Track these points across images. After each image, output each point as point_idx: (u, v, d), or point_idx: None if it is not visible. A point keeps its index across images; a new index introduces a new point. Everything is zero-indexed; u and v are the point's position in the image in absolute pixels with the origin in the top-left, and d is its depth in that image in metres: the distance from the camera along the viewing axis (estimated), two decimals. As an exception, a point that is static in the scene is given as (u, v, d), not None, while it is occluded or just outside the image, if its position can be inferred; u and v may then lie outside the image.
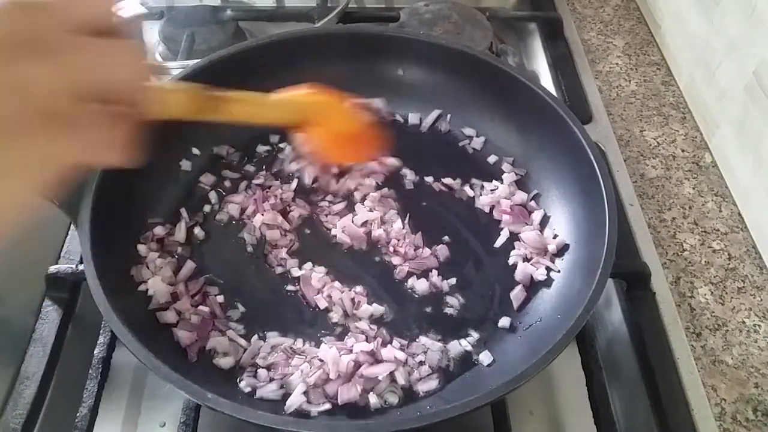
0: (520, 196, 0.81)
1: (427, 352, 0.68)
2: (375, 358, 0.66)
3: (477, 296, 0.74)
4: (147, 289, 0.70)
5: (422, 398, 0.64)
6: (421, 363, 0.67)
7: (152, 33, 1.10)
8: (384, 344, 0.68)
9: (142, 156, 0.46)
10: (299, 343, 0.68)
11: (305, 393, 0.63)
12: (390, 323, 0.71)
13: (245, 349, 0.67)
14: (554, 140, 0.80)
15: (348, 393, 0.63)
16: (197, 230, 0.78)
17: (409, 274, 0.75)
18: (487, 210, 0.81)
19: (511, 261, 0.76)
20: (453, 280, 0.74)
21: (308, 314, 0.71)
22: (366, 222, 0.79)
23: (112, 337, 0.68)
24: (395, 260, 0.76)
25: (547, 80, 1.04)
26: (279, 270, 0.75)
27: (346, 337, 0.69)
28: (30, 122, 0.38)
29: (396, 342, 0.68)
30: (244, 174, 0.84)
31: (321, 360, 0.66)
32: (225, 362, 0.66)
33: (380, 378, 0.64)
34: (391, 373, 0.65)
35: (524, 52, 1.15)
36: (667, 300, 0.77)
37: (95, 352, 0.67)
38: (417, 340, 0.69)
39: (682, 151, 0.99)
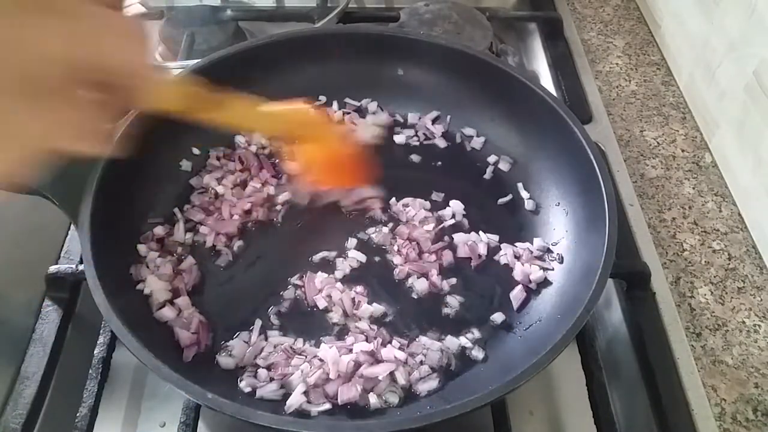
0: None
1: (427, 352, 0.68)
2: (375, 358, 0.66)
3: (477, 296, 0.74)
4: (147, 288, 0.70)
5: (422, 398, 0.64)
6: (422, 363, 0.67)
7: (152, 33, 1.10)
8: (384, 344, 0.68)
9: (125, 149, 0.45)
10: (299, 342, 0.68)
11: (305, 393, 0.63)
12: (390, 323, 0.71)
13: (249, 346, 0.67)
14: (554, 140, 0.80)
15: (348, 393, 0.63)
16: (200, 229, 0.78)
17: (409, 274, 0.75)
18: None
19: (503, 261, 0.76)
20: (453, 280, 0.74)
21: (308, 314, 0.71)
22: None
23: (112, 337, 0.68)
24: (396, 260, 0.76)
25: (547, 80, 1.05)
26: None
27: (346, 336, 0.69)
28: (16, 89, 0.35)
29: (396, 342, 0.68)
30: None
31: (321, 360, 0.65)
32: (227, 362, 0.66)
33: (380, 378, 0.64)
34: (391, 373, 0.65)
35: (524, 52, 1.15)
36: (667, 300, 0.77)
37: (95, 352, 0.67)
38: (417, 339, 0.69)
39: (682, 151, 0.99)
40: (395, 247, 0.77)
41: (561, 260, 0.74)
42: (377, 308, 0.71)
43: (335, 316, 0.70)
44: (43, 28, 0.35)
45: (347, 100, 0.91)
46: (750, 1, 0.88)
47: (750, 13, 0.88)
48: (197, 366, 0.65)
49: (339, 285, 0.73)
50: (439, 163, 0.87)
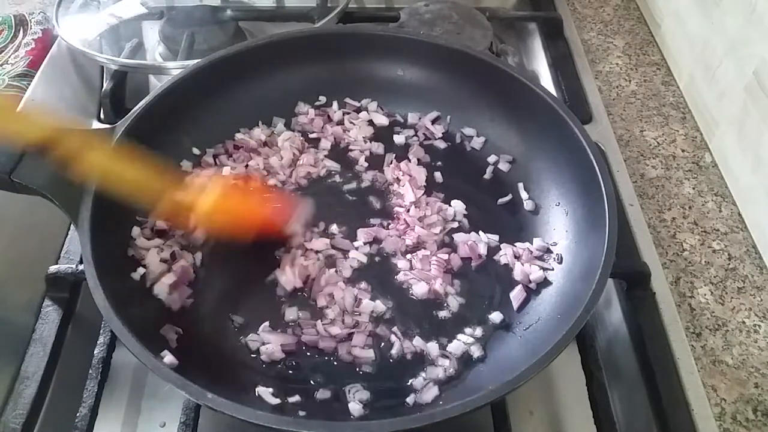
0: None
1: (428, 353, 0.68)
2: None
3: (477, 296, 0.74)
4: (147, 286, 0.71)
5: (423, 401, 0.64)
6: (426, 372, 0.67)
7: (152, 33, 1.10)
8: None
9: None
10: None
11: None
12: (389, 320, 0.71)
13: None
14: (554, 140, 0.80)
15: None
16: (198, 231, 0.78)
17: (411, 279, 0.74)
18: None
19: (503, 261, 0.76)
20: (455, 284, 0.74)
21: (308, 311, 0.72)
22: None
23: (112, 337, 0.68)
24: (401, 264, 0.75)
25: (547, 80, 1.05)
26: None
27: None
28: None
29: (395, 338, 0.69)
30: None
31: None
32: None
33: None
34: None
35: (524, 52, 1.15)
36: (667, 300, 0.77)
37: (95, 352, 0.67)
38: (416, 340, 0.69)
39: (682, 151, 0.99)
40: (402, 250, 0.77)
41: (561, 260, 0.74)
42: (379, 305, 0.71)
43: (331, 314, 0.71)
44: None
45: (347, 100, 0.91)
46: (750, 1, 0.88)
47: (750, 13, 0.88)
48: (197, 366, 0.65)
49: (342, 284, 0.73)
50: (439, 163, 0.87)
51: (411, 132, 0.90)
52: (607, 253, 0.65)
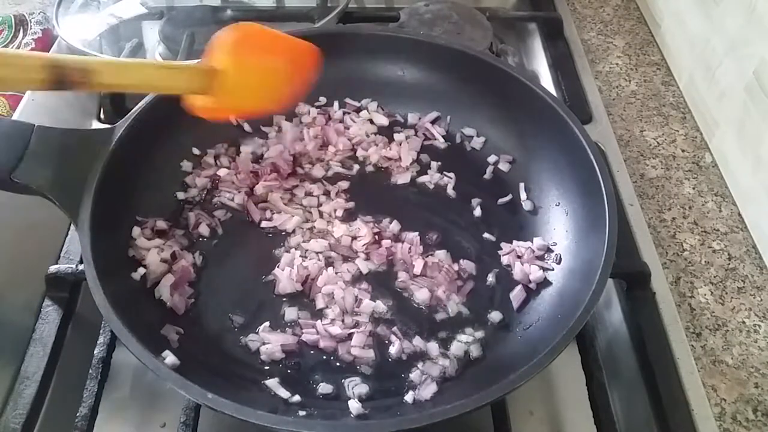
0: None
1: (428, 353, 0.68)
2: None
3: (477, 296, 0.74)
4: (147, 287, 0.71)
5: (423, 401, 0.64)
6: (424, 368, 0.67)
7: (152, 33, 1.10)
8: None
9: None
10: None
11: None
12: (389, 320, 0.71)
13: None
14: (554, 140, 0.80)
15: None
16: (201, 228, 0.78)
17: (412, 284, 0.74)
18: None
19: (503, 261, 0.76)
20: (457, 294, 0.74)
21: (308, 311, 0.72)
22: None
23: (112, 337, 0.68)
24: (402, 275, 0.75)
25: (547, 80, 1.05)
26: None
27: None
28: None
29: (394, 338, 0.69)
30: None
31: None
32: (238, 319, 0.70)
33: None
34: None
35: (524, 52, 1.15)
36: (667, 300, 0.76)
37: (95, 352, 0.67)
38: (416, 339, 0.69)
39: (682, 151, 0.99)
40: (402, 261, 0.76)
41: (561, 260, 0.74)
42: (379, 305, 0.71)
43: (331, 313, 0.71)
44: None
45: (347, 100, 0.92)
46: (750, 1, 0.88)
47: (750, 13, 0.88)
48: (197, 366, 0.65)
49: (342, 284, 0.73)
50: (439, 163, 0.87)
51: (411, 132, 0.90)
52: (607, 252, 0.65)
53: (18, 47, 1.06)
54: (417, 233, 0.77)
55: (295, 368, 0.67)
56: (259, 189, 0.81)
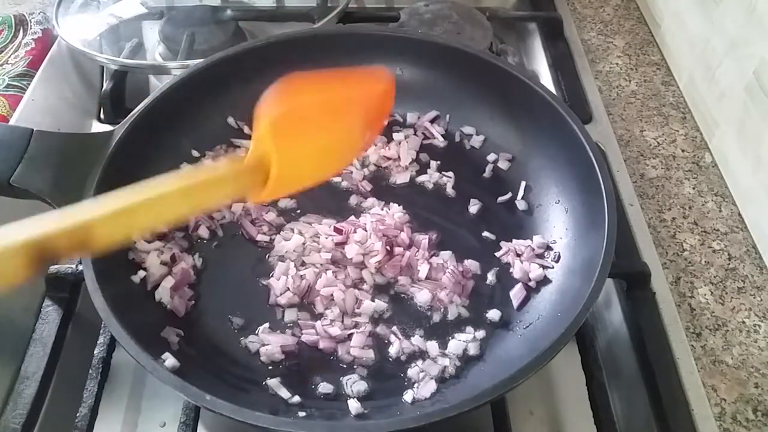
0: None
1: (427, 352, 0.68)
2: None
3: (477, 295, 0.74)
4: (147, 289, 0.71)
5: (423, 399, 0.64)
6: (423, 365, 0.67)
7: (152, 33, 1.10)
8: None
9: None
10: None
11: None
12: (389, 320, 0.71)
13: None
14: (554, 138, 0.80)
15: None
16: (201, 230, 0.78)
17: (412, 287, 0.74)
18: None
19: (503, 260, 0.76)
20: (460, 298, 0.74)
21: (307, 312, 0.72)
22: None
23: (112, 337, 0.68)
24: (402, 279, 0.74)
25: (547, 80, 1.04)
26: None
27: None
28: None
29: (394, 338, 0.69)
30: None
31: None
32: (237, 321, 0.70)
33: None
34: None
35: (524, 52, 1.15)
36: (667, 300, 0.76)
37: (95, 352, 0.67)
38: (415, 339, 0.69)
39: (682, 151, 0.99)
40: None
41: (561, 258, 0.74)
42: (379, 305, 0.71)
43: (330, 315, 0.71)
44: None
45: (347, 100, 0.91)
46: (750, 1, 0.87)
47: (750, 13, 0.88)
48: (196, 367, 0.65)
49: (342, 286, 0.73)
50: (439, 162, 0.87)
51: (410, 131, 0.90)
52: (606, 250, 0.65)
53: (18, 47, 1.06)
54: (426, 236, 0.77)
55: (295, 369, 0.67)
56: (254, 213, 0.80)
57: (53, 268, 0.74)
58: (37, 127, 0.72)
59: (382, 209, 0.80)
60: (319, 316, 0.71)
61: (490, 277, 0.75)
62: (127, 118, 0.76)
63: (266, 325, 0.70)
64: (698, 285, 0.82)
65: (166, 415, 0.69)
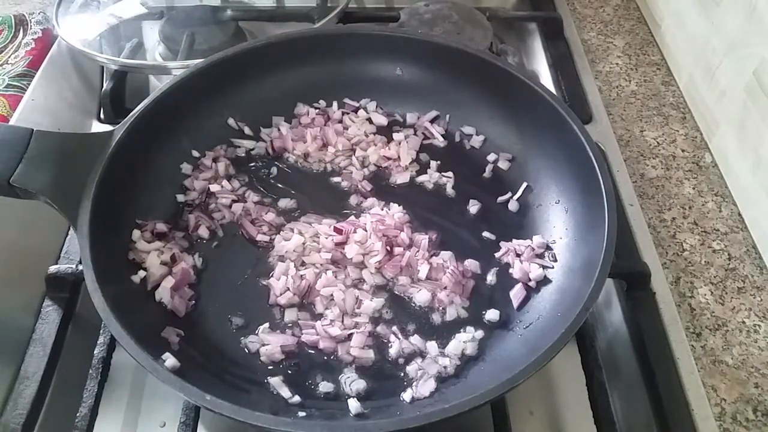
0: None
1: (427, 352, 0.68)
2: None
3: (477, 295, 0.74)
4: (147, 289, 0.71)
5: (422, 398, 0.64)
6: (422, 363, 0.67)
7: (152, 33, 1.10)
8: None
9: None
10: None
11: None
12: (389, 320, 0.71)
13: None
14: (553, 138, 0.80)
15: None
16: (201, 230, 0.78)
17: (411, 287, 0.74)
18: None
19: (503, 260, 0.76)
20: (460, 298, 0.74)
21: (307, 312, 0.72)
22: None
23: (112, 337, 0.68)
24: (402, 279, 0.74)
25: (547, 80, 1.05)
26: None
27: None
28: None
29: (394, 338, 0.69)
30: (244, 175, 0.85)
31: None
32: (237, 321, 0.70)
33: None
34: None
35: (524, 52, 1.15)
36: (667, 300, 0.76)
37: (95, 352, 0.67)
38: (414, 338, 0.69)
39: (682, 151, 0.99)
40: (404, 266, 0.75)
41: (561, 258, 0.74)
42: (378, 301, 0.71)
43: (330, 315, 0.71)
44: None
45: (346, 100, 0.92)
46: (750, 1, 0.87)
47: (750, 13, 0.88)
48: (196, 367, 0.65)
49: (342, 286, 0.73)
50: (439, 162, 0.87)
51: (410, 131, 0.90)
52: (606, 249, 0.65)
53: (18, 47, 1.06)
54: (426, 236, 0.77)
55: (295, 369, 0.67)
56: (254, 213, 0.80)
57: (53, 268, 0.74)
58: (37, 127, 0.73)
59: (382, 209, 0.80)
60: (319, 316, 0.71)
61: (490, 277, 0.75)
62: (127, 118, 0.76)
63: (266, 325, 0.70)
64: (698, 285, 0.82)
65: (166, 415, 0.70)
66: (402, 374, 0.67)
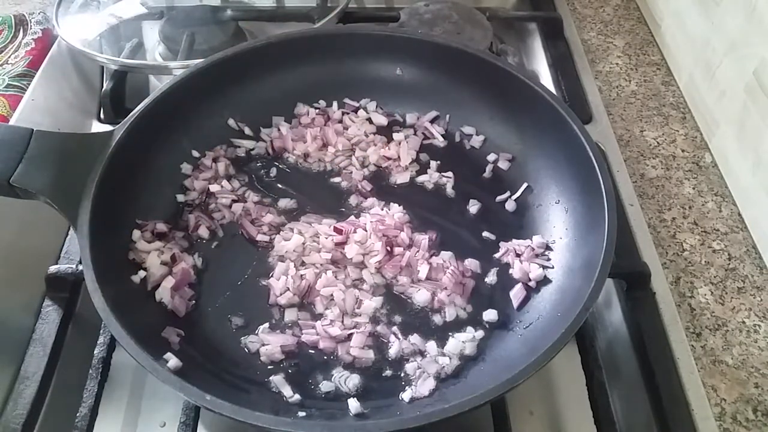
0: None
1: (427, 352, 0.68)
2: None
3: (477, 295, 0.74)
4: (147, 289, 0.71)
5: (422, 398, 0.64)
6: (421, 362, 0.67)
7: (152, 33, 1.10)
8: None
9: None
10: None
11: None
12: (389, 320, 0.71)
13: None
14: (553, 138, 0.80)
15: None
16: (201, 230, 0.78)
17: (411, 287, 0.74)
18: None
19: (503, 260, 0.76)
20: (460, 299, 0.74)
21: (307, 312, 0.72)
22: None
23: (112, 337, 0.68)
24: (402, 279, 0.74)
25: (547, 80, 1.05)
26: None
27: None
28: None
29: (393, 338, 0.69)
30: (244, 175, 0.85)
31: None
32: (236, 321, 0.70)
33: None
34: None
35: (524, 52, 1.15)
36: (667, 300, 0.76)
37: (95, 352, 0.67)
38: (414, 338, 0.69)
39: (682, 151, 0.99)
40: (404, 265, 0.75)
41: (561, 258, 0.74)
42: (378, 302, 0.71)
43: (330, 315, 0.71)
44: None
45: (346, 100, 0.92)
46: (750, 1, 0.87)
47: (750, 13, 0.88)
48: (196, 367, 0.65)
49: (342, 287, 0.73)
50: (439, 162, 0.87)
51: (410, 131, 0.90)
52: (606, 249, 0.65)
53: (18, 47, 1.06)
54: (426, 236, 0.77)
55: (295, 369, 0.67)
56: (254, 212, 0.80)
57: (53, 268, 0.74)
58: (37, 127, 0.73)
59: (382, 209, 0.80)
60: (319, 316, 0.71)
61: (490, 277, 0.75)
62: (127, 118, 0.76)
63: (266, 325, 0.70)
64: (698, 285, 0.82)
65: (166, 415, 0.70)
66: (402, 374, 0.67)
